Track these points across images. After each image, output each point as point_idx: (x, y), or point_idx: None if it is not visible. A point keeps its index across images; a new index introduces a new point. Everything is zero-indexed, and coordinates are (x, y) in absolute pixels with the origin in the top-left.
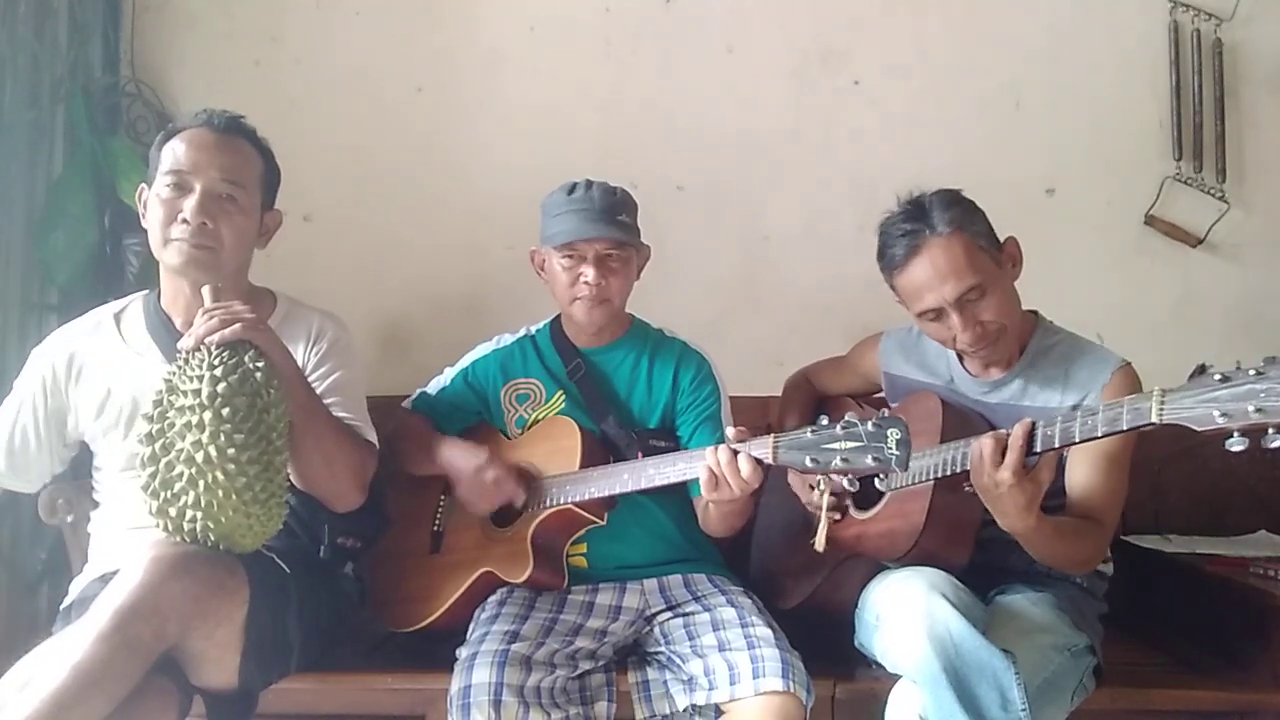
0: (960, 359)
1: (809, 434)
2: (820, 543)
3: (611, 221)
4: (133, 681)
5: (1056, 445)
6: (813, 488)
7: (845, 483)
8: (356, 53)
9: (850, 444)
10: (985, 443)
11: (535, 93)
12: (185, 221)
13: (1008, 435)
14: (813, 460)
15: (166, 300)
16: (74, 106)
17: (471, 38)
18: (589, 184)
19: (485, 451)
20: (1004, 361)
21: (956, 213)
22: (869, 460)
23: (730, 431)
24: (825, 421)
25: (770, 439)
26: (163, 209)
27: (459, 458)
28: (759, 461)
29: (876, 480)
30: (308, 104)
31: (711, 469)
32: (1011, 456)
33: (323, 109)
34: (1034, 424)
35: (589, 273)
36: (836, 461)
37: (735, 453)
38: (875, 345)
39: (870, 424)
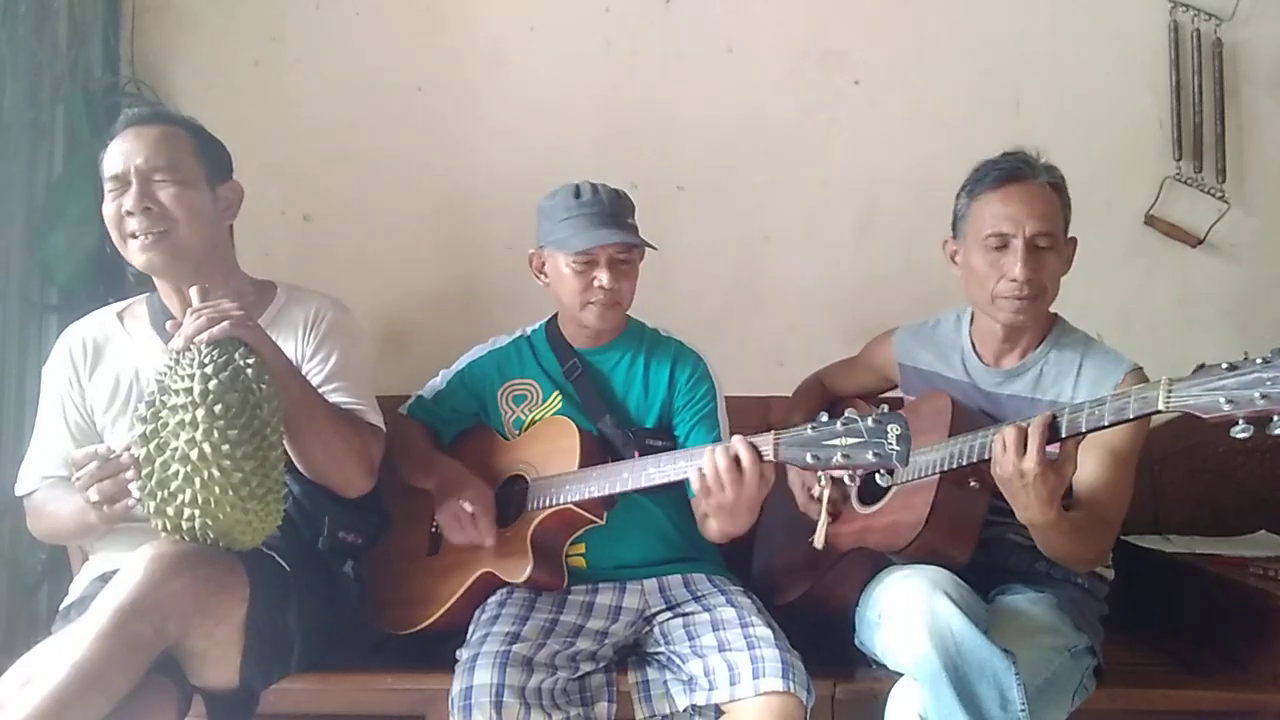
0: (975, 348)
1: (809, 430)
2: (819, 540)
3: (623, 225)
4: (133, 680)
5: (1081, 430)
6: (810, 490)
7: (846, 479)
8: (356, 53)
9: (851, 440)
10: (1008, 431)
11: (535, 93)
12: (130, 213)
13: (1029, 425)
14: (813, 456)
15: (163, 297)
16: (74, 106)
17: (472, 38)
18: (594, 187)
19: (476, 485)
20: (1019, 348)
21: (1059, 178)
22: (869, 456)
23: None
24: (825, 418)
25: (771, 435)
26: (111, 213)
27: (446, 485)
28: (759, 455)
29: (878, 476)
30: (308, 104)
31: (703, 470)
32: (1034, 444)
33: (323, 109)
34: (1054, 414)
35: (604, 277)
36: (837, 458)
37: (736, 458)
38: (888, 340)
39: (870, 420)
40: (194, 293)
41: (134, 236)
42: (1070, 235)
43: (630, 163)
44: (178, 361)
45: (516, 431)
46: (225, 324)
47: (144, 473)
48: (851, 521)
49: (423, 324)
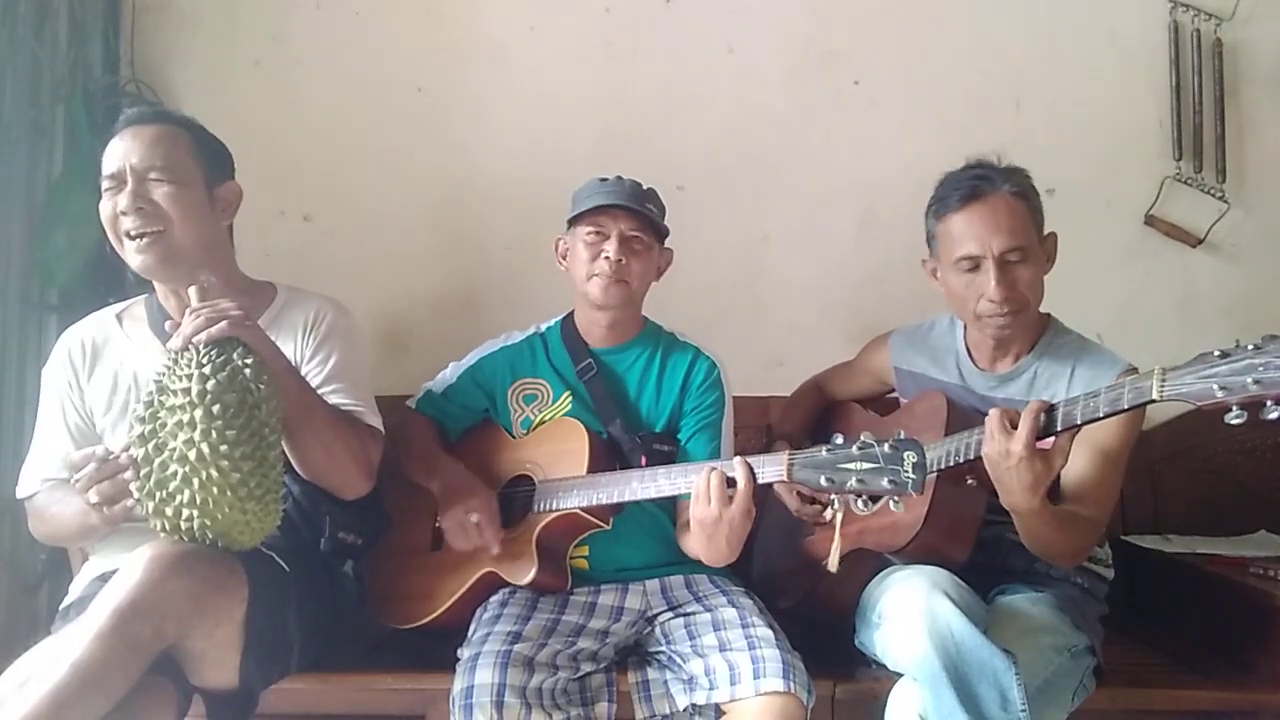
0: (969, 352)
1: (825, 453)
2: (834, 562)
3: (640, 204)
4: (131, 680)
5: (1076, 422)
6: (800, 495)
7: (860, 504)
8: (356, 53)
9: (866, 465)
10: (993, 413)
11: (535, 93)
12: (124, 213)
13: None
14: (828, 480)
15: (161, 299)
16: (74, 106)
17: (472, 38)
18: (620, 177)
19: (481, 493)
20: (1011, 353)
21: (1022, 181)
22: (885, 483)
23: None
24: (841, 441)
25: (785, 456)
26: (107, 212)
27: (450, 491)
28: (754, 478)
29: (891, 503)
30: (308, 104)
31: (697, 483)
32: (1024, 426)
33: (323, 109)
34: (1050, 404)
35: (610, 248)
36: (852, 482)
37: (730, 480)
38: (885, 344)
39: (887, 445)
40: (193, 292)
41: (130, 237)
42: (1049, 231)
43: (630, 163)
44: (176, 362)
45: (524, 431)
46: (224, 324)
47: (142, 473)
48: (850, 523)
49: (423, 324)
